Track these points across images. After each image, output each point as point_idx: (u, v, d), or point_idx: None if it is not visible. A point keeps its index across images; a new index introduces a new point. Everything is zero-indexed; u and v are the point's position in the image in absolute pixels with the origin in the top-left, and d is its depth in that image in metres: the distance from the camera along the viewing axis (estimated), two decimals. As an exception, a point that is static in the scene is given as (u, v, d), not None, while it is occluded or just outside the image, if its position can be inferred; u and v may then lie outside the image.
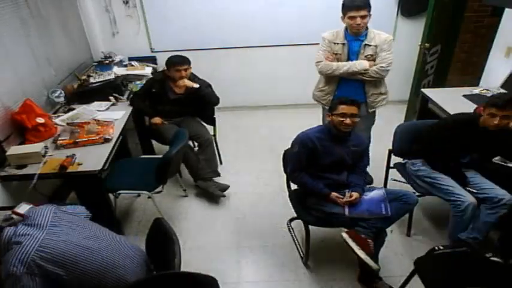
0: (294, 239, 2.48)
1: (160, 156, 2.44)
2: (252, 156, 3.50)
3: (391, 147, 2.54)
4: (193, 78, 3.00)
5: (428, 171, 2.27)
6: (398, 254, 2.36)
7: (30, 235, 1.35)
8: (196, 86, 2.89)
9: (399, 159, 2.58)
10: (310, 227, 2.13)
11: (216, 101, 3.06)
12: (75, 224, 1.50)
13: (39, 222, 1.42)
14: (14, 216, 1.54)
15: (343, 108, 2.03)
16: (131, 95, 3.11)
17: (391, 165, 2.61)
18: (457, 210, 2.07)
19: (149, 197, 2.45)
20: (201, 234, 2.60)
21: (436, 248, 1.74)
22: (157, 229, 1.65)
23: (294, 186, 2.29)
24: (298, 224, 2.52)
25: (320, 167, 2.12)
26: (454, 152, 2.23)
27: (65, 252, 1.35)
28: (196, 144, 3.12)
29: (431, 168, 2.28)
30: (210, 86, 3.05)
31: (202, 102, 3.04)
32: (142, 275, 1.53)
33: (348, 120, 2.02)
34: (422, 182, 2.30)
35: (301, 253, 2.36)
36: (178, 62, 2.85)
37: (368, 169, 2.99)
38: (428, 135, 2.31)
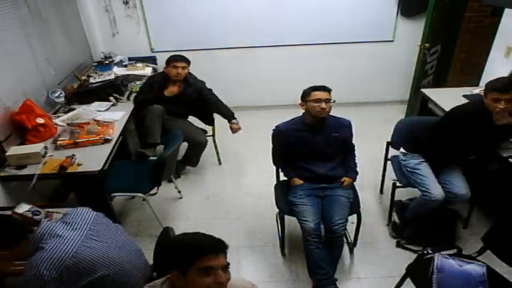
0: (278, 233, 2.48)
1: (155, 158, 2.44)
2: (252, 156, 3.50)
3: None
4: (189, 77, 3.02)
5: (415, 162, 2.32)
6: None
7: (67, 238, 1.32)
8: None
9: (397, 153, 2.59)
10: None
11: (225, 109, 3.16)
12: (110, 232, 1.48)
13: (78, 225, 1.39)
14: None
15: (316, 94, 2.09)
16: (134, 96, 3.12)
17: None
18: (425, 199, 2.21)
19: (144, 200, 2.44)
20: (201, 235, 2.60)
21: (425, 252, 1.76)
22: (166, 237, 1.66)
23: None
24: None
25: (299, 157, 2.21)
26: (466, 148, 2.21)
27: (96, 262, 1.33)
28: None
29: (431, 166, 2.30)
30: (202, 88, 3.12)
31: (203, 105, 3.09)
32: (142, 284, 1.53)
33: (323, 105, 2.07)
34: (406, 171, 2.38)
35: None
36: (176, 59, 2.93)
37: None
38: (434, 137, 2.29)
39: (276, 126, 2.27)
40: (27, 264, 1.28)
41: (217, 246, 1.14)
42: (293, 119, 2.27)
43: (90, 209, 1.52)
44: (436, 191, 2.17)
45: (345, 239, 2.38)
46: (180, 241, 1.20)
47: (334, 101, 2.13)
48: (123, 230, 1.59)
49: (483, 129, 2.04)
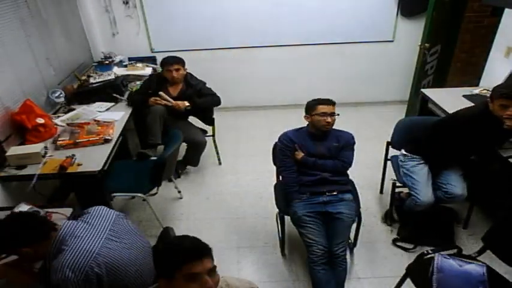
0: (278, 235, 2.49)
1: (155, 158, 2.44)
2: (252, 156, 3.50)
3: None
4: (189, 78, 3.01)
5: (412, 164, 2.34)
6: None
7: (88, 238, 1.33)
8: (187, 105, 2.93)
9: (397, 152, 2.60)
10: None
11: (216, 103, 3.08)
12: (129, 233, 1.49)
13: (99, 226, 1.40)
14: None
15: (322, 108, 2.09)
16: (129, 94, 3.15)
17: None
18: (413, 202, 2.28)
19: (144, 200, 2.45)
20: (201, 235, 2.53)
21: (425, 252, 1.76)
22: (164, 238, 1.66)
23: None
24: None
25: (301, 164, 2.19)
26: (467, 149, 2.22)
27: (118, 261, 1.34)
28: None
29: (430, 168, 2.31)
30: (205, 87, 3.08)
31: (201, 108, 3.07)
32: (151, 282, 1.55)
33: (329, 119, 2.09)
34: (402, 172, 2.41)
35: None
36: (168, 61, 2.91)
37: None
38: (432, 137, 2.29)
39: (283, 133, 2.27)
40: (52, 268, 1.29)
41: (200, 251, 1.13)
42: (300, 128, 2.28)
43: (110, 209, 1.52)
44: (424, 196, 2.22)
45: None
46: (164, 249, 1.19)
47: (338, 114, 2.14)
48: (141, 231, 1.59)
49: (487, 132, 2.04)
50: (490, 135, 2.07)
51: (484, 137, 2.08)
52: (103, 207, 1.52)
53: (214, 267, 1.15)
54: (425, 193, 2.22)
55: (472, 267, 1.63)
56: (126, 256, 1.39)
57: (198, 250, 1.13)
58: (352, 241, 2.38)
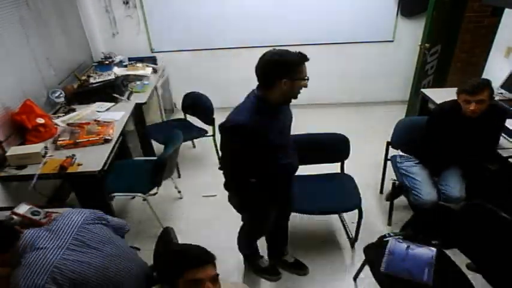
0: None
1: (155, 158, 2.44)
2: (252, 156, 3.49)
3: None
4: None
5: (409, 165, 2.37)
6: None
7: (47, 250, 1.27)
8: None
9: (397, 152, 2.61)
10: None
11: None
12: (101, 242, 1.41)
13: (62, 234, 1.34)
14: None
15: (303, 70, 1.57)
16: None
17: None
18: (416, 201, 2.24)
19: (144, 200, 2.45)
20: (201, 235, 2.60)
21: (387, 234, 1.79)
22: (164, 238, 1.66)
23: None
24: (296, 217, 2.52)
25: (271, 149, 1.72)
26: (444, 144, 2.22)
27: (79, 273, 1.29)
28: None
29: (428, 169, 2.32)
30: None
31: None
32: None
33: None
34: (402, 173, 2.43)
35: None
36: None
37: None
38: (421, 133, 2.32)
39: (226, 120, 1.65)
40: (11, 283, 1.25)
41: (204, 258, 1.14)
42: (242, 108, 1.72)
43: (81, 211, 1.45)
44: (427, 195, 2.20)
45: (345, 235, 2.45)
46: (167, 254, 1.19)
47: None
48: (120, 239, 1.53)
49: (458, 125, 2.10)
50: (461, 128, 2.11)
51: (456, 128, 2.12)
52: (73, 211, 1.45)
53: (217, 275, 1.15)
54: (427, 191, 2.21)
55: (423, 251, 1.77)
56: (93, 267, 1.32)
57: (202, 257, 1.14)
58: (353, 236, 2.39)
